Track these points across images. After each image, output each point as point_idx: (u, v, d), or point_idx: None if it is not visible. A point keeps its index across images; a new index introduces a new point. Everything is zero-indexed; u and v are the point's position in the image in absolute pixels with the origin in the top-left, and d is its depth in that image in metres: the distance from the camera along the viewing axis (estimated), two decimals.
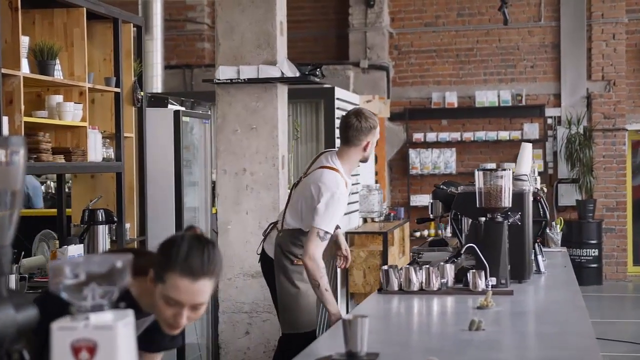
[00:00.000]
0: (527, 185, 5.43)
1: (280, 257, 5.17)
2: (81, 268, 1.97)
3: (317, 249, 4.90)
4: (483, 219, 4.73)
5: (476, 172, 4.78)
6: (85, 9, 5.98)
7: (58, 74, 5.71)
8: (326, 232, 4.92)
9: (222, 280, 6.62)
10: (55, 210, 6.67)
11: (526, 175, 5.59)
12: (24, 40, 5.35)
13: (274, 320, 6.61)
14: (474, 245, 4.64)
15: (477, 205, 4.74)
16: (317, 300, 5.21)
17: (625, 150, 13.82)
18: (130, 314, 2.00)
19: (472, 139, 13.87)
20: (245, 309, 6.71)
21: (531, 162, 5.99)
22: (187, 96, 9.44)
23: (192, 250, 2.67)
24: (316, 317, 5.36)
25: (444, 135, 13.97)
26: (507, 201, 4.71)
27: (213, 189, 7.65)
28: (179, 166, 7.16)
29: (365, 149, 5.12)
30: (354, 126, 5.08)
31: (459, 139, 13.91)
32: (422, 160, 14.03)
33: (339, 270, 8.66)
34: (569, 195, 13.67)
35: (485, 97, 13.87)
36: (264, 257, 5.33)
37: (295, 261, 5.13)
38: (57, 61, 5.68)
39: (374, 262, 9.10)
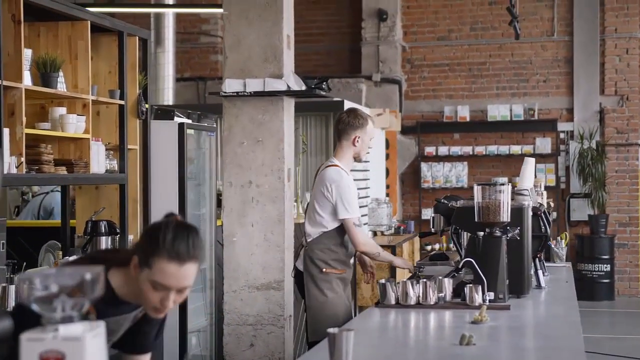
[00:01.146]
0: (528, 200, 5.42)
1: (309, 267, 5.47)
2: (52, 280, 1.98)
3: (361, 235, 5.42)
4: (481, 233, 4.72)
5: (475, 187, 4.78)
6: (89, 22, 6.03)
7: (61, 87, 5.74)
8: (358, 218, 5.37)
9: (227, 292, 6.62)
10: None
11: (527, 190, 5.58)
12: (27, 53, 5.40)
13: (279, 333, 6.61)
14: (471, 260, 4.64)
15: (476, 220, 4.74)
16: (346, 312, 5.43)
17: (638, 165, 13.74)
18: (101, 326, 2.01)
19: (484, 152, 13.83)
20: (250, 322, 6.69)
21: (534, 176, 5.98)
22: (197, 109, 9.48)
23: (177, 236, 2.76)
24: None
25: (456, 149, 13.95)
26: (505, 216, 4.71)
27: (219, 201, 7.67)
28: (183, 178, 7.18)
29: (354, 143, 5.51)
30: (342, 120, 5.57)
31: (471, 152, 13.87)
32: (433, 174, 14.01)
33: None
34: (581, 210, 13.61)
35: (498, 111, 13.85)
36: (296, 273, 5.65)
37: (324, 269, 5.41)
38: (61, 73, 5.72)
39: (382, 276, 9.05)
